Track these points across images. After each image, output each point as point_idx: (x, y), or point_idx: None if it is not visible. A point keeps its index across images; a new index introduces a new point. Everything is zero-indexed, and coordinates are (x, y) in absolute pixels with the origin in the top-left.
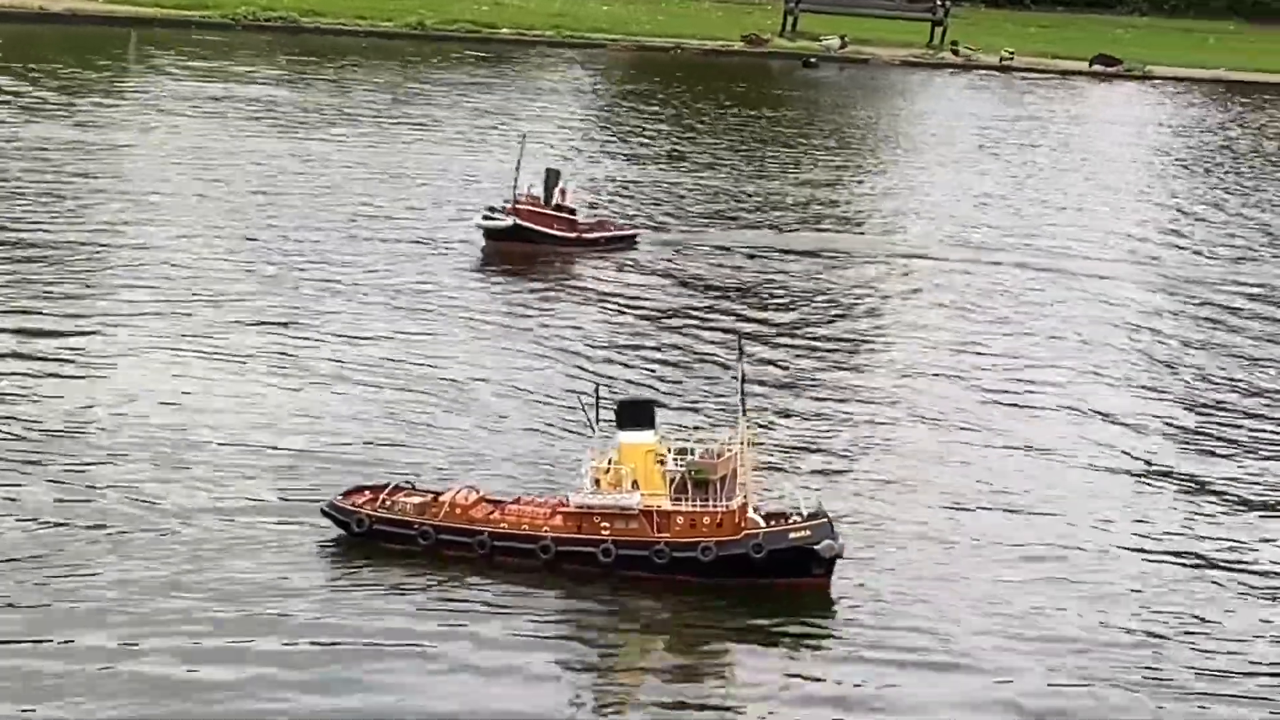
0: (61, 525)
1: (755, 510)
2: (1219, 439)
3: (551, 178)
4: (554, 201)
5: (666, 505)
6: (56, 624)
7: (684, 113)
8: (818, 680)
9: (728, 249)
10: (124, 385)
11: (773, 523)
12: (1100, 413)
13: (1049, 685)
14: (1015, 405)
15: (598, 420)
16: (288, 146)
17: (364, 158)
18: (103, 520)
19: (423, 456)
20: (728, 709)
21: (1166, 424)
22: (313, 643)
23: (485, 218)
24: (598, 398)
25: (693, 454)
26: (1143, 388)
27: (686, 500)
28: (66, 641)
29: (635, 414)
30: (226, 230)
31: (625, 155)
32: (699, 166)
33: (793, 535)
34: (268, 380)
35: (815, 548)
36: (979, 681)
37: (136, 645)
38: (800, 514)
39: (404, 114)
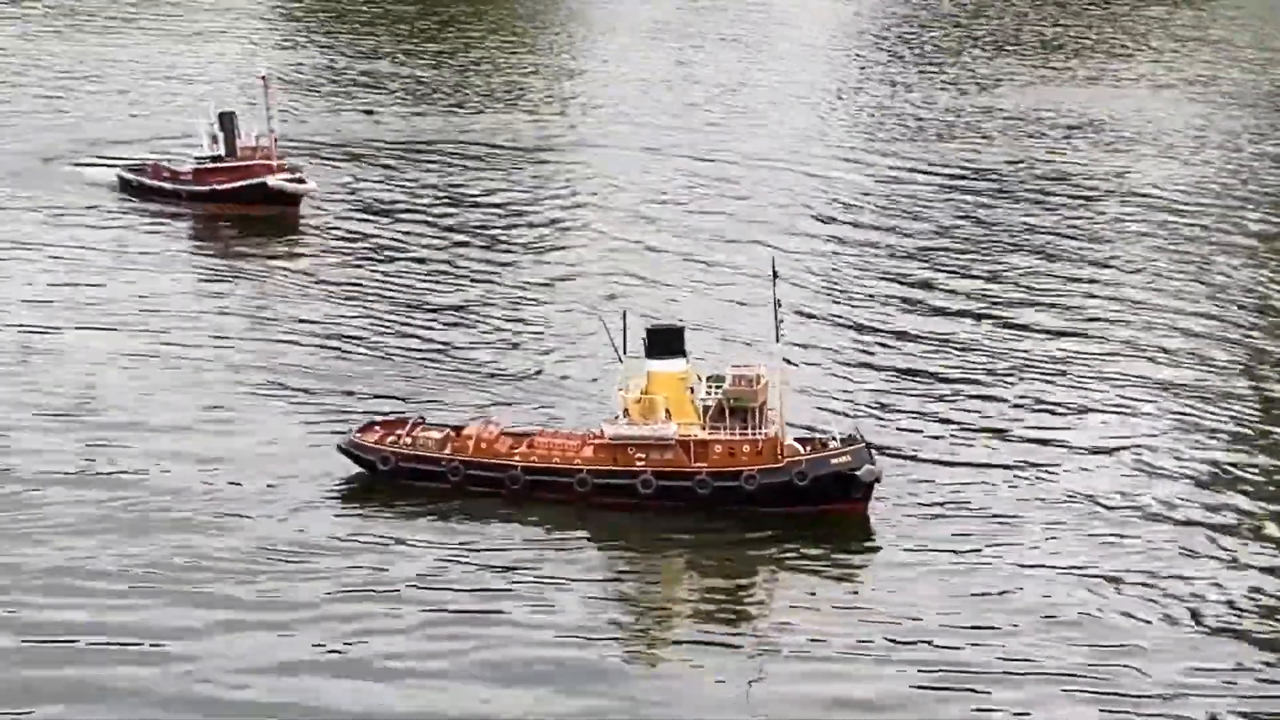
0: None
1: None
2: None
3: (228, 121)
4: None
5: (703, 434)
6: None
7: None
8: (863, 608)
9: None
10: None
11: (809, 449)
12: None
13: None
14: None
15: (625, 348)
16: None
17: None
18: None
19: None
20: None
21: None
22: (345, 586)
23: (296, 180)
24: (625, 325)
25: (724, 381)
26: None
27: (723, 428)
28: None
29: (666, 341)
30: None
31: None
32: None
33: (835, 461)
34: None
35: (857, 473)
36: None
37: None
38: (835, 439)
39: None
